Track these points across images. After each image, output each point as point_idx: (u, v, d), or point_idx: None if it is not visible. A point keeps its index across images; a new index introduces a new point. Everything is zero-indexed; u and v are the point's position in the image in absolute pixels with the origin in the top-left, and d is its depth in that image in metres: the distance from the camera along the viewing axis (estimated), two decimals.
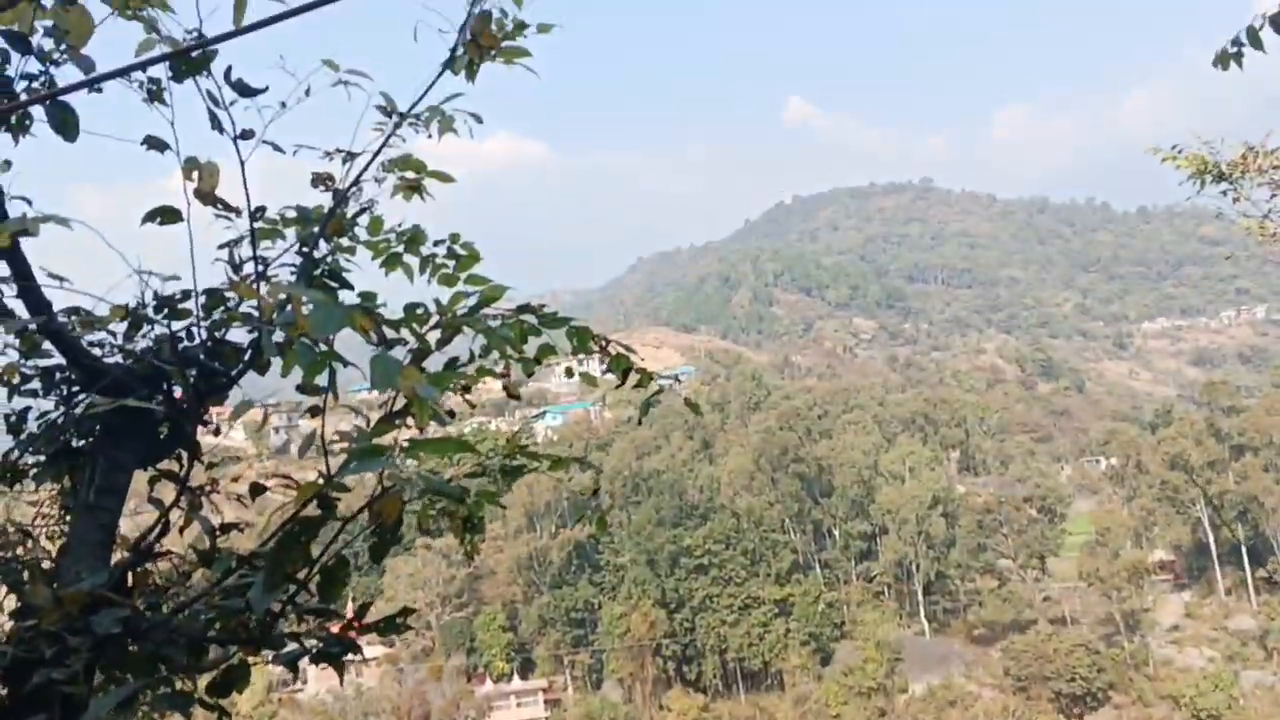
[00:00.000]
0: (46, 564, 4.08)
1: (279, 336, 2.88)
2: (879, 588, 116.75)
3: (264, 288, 4.33)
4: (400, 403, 2.96)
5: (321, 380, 3.22)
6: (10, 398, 4.21)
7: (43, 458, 4.15)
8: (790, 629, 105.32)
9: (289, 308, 2.75)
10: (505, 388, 4.22)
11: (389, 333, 3.83)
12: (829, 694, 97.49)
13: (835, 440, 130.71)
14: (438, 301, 3.86)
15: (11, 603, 3.55)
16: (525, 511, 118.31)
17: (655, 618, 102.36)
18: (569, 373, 4.98)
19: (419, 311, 3.88)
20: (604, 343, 4.35)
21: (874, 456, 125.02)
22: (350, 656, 3.86)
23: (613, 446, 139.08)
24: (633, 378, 4.51)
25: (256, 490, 3.55)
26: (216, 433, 4.31)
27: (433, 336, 3.93)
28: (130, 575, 3.60)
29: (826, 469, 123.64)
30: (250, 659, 3.70)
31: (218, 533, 3.65)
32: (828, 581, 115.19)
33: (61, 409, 4.16)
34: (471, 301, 4.09)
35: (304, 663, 4.16)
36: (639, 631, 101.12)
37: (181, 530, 3.93)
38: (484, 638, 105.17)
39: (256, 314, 4.15)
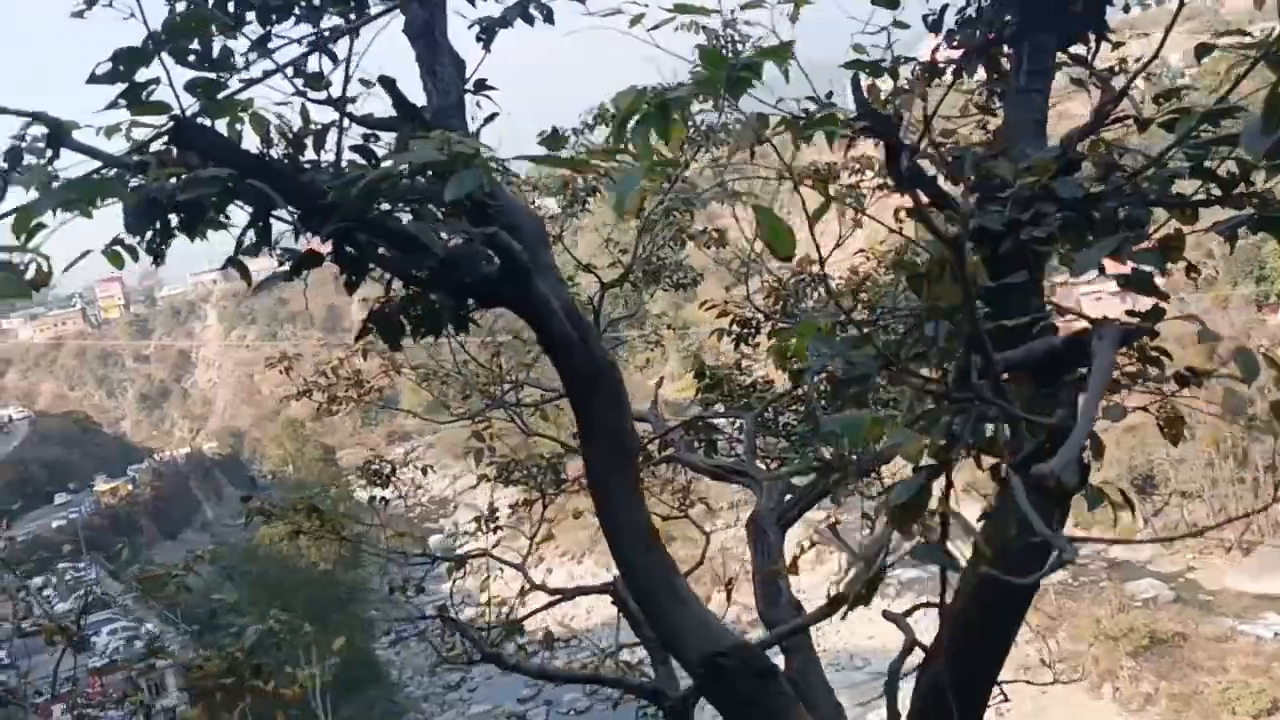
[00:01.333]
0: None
1: None
2: None
3: None
4: None
5: None
6: None
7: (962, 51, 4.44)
8: None
9: None
10: None
11: None
12: None
13: None
14: None
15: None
16: None
17: None
18: None
19: None
20: None
21: None
22: None
23: None
24: None
25: (1203, 51, 3.44)
26: (1127, 10, 4.22)
27: None
28: (1074, 148, 3.78)
29: None
30: (1185, 229, 3.73)
31: (1161, 99, 3.65)
32: None
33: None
34: None
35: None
36: None
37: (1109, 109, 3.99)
38: (1276, 265, 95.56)
39: None
